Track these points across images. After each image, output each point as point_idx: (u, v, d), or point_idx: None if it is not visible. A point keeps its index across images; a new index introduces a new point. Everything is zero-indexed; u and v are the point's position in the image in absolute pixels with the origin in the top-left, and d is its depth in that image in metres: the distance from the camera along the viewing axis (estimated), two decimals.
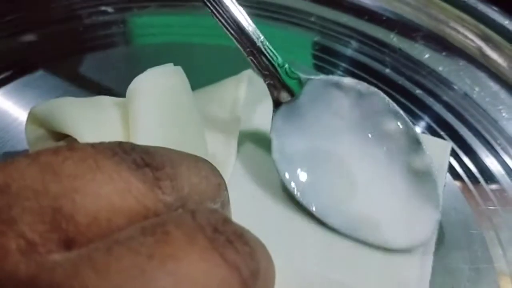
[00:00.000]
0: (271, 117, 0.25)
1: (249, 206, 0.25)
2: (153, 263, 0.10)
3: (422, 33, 0.37)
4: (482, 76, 0.34)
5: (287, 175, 0.25)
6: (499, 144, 0.30)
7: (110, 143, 0.12)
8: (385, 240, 0.24)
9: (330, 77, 0.26)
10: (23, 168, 0.11)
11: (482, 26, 0.36)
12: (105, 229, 0.10)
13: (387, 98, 0.25)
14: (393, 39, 0.37)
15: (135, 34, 0.37)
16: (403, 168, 0.25)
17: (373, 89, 0.25)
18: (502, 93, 0.33)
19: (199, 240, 0.10)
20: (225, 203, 0.15)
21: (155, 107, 0.22)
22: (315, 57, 0.36)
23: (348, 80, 0.25)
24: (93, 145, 0.12)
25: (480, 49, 0.35)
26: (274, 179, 0.26)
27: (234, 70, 0.30)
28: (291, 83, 0.25)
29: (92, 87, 0.31)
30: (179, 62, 0.26)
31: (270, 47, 0.24)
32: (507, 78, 0.34)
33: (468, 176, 0.29)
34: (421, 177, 0.25)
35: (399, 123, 0.25)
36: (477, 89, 0.34)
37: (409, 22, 0.38)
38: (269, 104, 0.25)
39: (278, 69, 0.24)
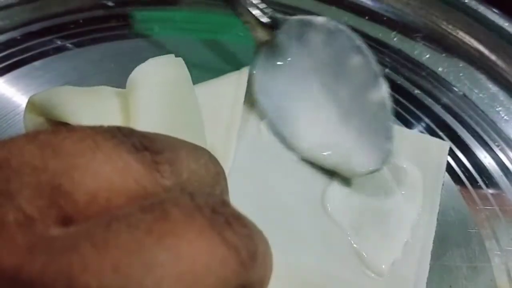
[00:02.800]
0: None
1: (247, 200, 0.25)
2: (152, 238, 0.09)
3: (422, 34, 0.37)
4: (481, 77, 0.34)
5: (268, 112, 0.27)
6: (497, 146, 0.30)
7: (109, 126, 0.12)
8: (353, 167, 0.25)
9: (304, 16, 0.27)
10: (22, 145, 0.10)
11: (482, 28, 0.36)
12: (103, 208, 0.10)
13: (354, 34, 0.26)
14: (393, 39, 0.37)
15: (136, 28, 0.36)
16: (363, 101, 0.26)
17: (341, 26, 0.26)
18: (501, 95, 0.33)
19: (198, 219, 0.10)
20: (224, 192, 0.15)
21: (155, 97, 0.22)
22: None
23: (320, 19, 0.27)
24: (92, 127, 0.12)
25: (479, 51, 0.35)
26: (273, 174, 0.26)
27: (234, 66, 0.30)
28: (267, 22, 0.26)
29: (92, 79, 0.31)
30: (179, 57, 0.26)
31: None
32: (506, 80, 0.34)
33: (466, 177, 0.29)
34: (377, 109, 0.26)
35: (360, 58, 0.26)
36: (476, 90, 0.34)
37: (409, 22, 0.38)
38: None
39: (252, 7, 0.26)
